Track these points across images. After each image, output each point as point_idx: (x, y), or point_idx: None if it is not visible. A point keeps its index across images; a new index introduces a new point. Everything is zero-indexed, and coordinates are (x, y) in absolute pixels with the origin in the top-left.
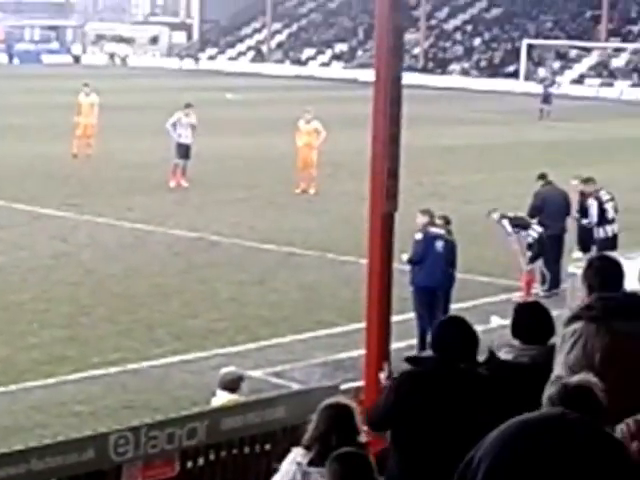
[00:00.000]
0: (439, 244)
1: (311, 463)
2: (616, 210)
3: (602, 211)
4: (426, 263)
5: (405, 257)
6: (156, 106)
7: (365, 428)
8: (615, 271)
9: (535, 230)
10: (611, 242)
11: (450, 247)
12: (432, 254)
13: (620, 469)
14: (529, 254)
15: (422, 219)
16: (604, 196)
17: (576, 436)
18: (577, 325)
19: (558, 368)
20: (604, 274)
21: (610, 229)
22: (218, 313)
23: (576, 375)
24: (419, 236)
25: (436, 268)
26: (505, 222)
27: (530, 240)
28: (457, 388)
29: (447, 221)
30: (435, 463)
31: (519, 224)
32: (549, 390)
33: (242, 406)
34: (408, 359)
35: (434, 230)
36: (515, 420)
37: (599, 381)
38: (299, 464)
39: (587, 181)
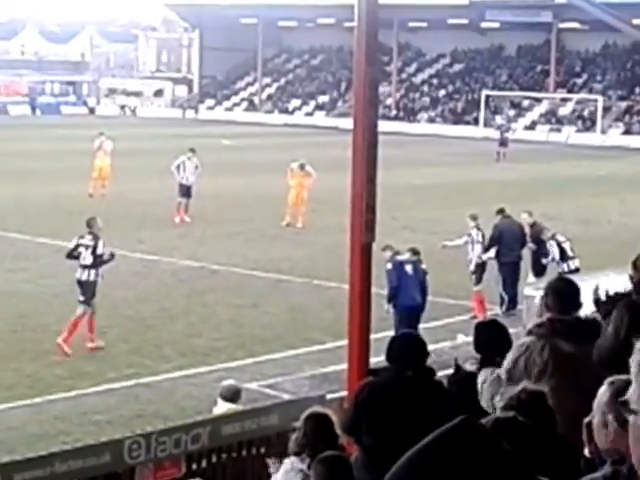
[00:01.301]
0: (408, 267)
1: (309, 467)
2: (572, 250)
3: (561, 250)
4: (402, 286)
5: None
6: (162, 151)
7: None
8: (570, 292)
9: (487, 256)
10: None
11: (421, 272)
12: (405, 277)
13: (576, 471)
14: (474, 276)
15: (386, 254)
16: (560, 237)
17: (530, 440)
18: (527, 339)
19: (501, 370)
20: (559, 295)
21: (572, 263)
22: (218, 333)
23: (527, 383)
24: (389, 266)
25: (413, 289)
26: (478, 232)
27: (479, 261)
28: (405, 393)
29: (415, 252)
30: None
31: (485, 244)
32: (493, 393)
33: (240, 414)
34: (369, 371)
35: (400, 257)
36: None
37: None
38: (301, 470)
39: (534, 225)
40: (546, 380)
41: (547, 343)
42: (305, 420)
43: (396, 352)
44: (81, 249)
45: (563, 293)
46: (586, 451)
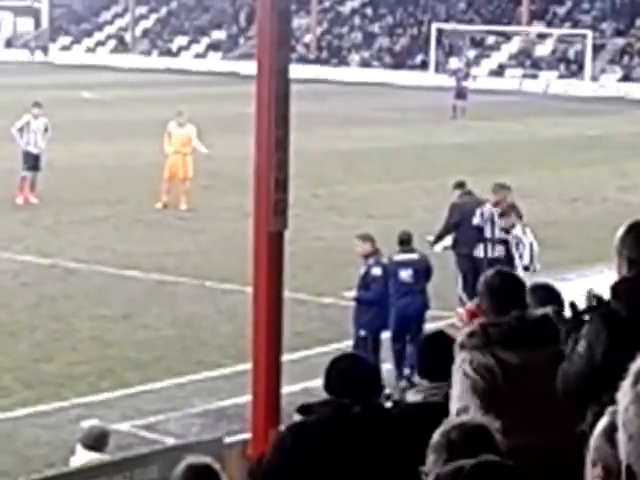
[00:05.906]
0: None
1: None
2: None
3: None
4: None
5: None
6: None
7: None
8: (508, 288)
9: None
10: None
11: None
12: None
13: None
14: None
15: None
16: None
17: None
18: (461, 355)
19: (454, 404)
20: (493, 293)
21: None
22: (77, 355)
23: (464, 414)
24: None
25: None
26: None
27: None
28: (352, 437)
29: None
30: None
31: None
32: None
33: (107, 466)
34: (299, 409)
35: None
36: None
37: (493, 419)
38: None
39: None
40: (495, 406)
41: (485, 355)
42: (180, 476)
43: (336, 379)
44: None
45: (497, 290)
46: None
